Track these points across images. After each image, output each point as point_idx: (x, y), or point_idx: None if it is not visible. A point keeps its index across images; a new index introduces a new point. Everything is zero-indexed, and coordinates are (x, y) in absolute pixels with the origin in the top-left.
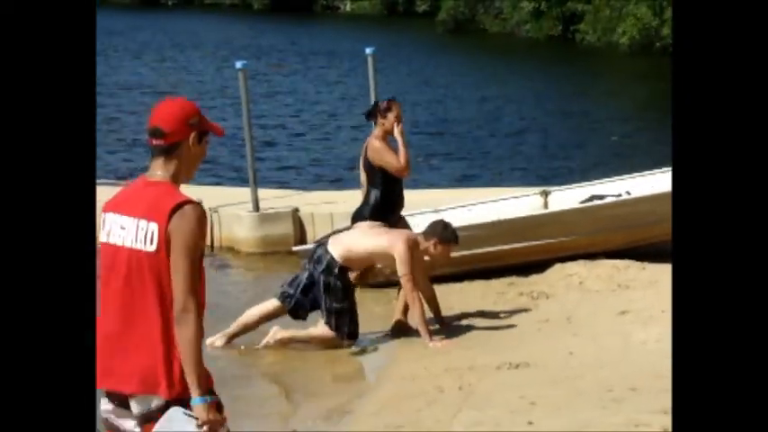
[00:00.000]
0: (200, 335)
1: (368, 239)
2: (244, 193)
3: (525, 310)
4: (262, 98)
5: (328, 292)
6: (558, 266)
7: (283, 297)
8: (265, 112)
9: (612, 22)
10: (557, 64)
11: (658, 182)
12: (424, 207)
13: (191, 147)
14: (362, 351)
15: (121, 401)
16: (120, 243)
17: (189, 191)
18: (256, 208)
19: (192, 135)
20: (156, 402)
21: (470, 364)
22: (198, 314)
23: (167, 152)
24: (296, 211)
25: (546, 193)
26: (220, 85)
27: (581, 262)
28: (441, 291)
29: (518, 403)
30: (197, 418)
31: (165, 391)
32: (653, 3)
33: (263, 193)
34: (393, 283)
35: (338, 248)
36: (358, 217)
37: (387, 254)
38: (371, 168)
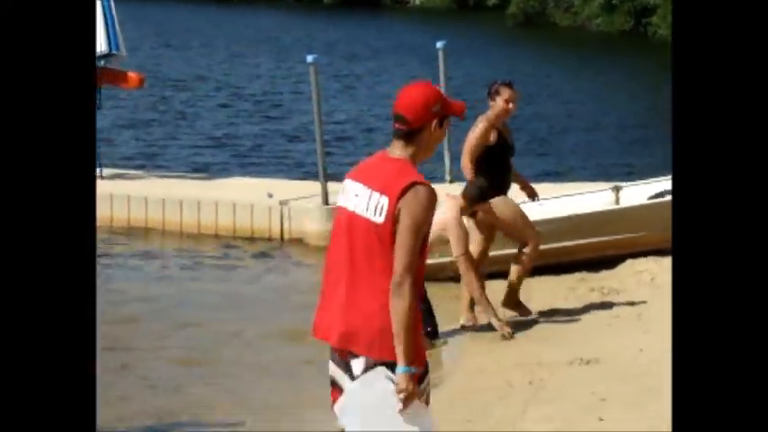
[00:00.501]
0: (413, 307)
1: None
2: (314, 186)
3: (596, 306)
4: (333, 93)
5: None
6: (629, 262)
7: None
8: (336, 106)
9: None
10: (629, 58)
11: None
12: None
13: (432, 131)
14: (432, 345)
15: (341, 359)
16: (351, 209)
17: (260, 184)
18: (326, 201)
19: (434, 121)
20: (363, 362)
21: (540, 359)
22: (412, 288)
23: (409, 136)
24: None
25: (618, 189)
26: (292, 80)
27: (652, 258)
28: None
29: (589, 399)
30: (396, 384)
31: (368, 351)
32: None
33: (333, 186)
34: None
35: None
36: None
37: (442, 237)
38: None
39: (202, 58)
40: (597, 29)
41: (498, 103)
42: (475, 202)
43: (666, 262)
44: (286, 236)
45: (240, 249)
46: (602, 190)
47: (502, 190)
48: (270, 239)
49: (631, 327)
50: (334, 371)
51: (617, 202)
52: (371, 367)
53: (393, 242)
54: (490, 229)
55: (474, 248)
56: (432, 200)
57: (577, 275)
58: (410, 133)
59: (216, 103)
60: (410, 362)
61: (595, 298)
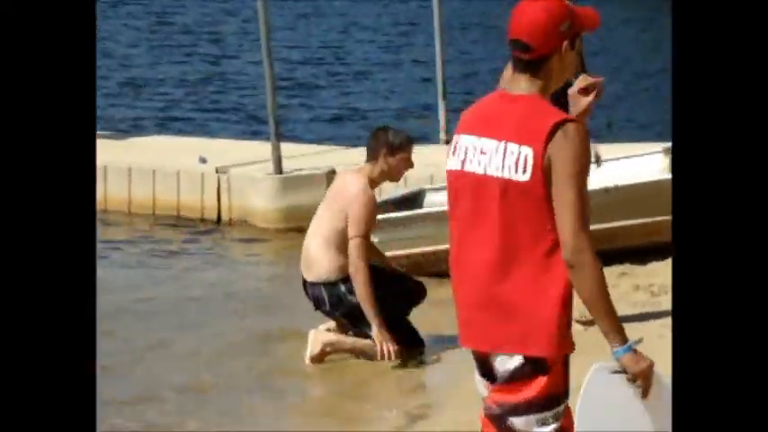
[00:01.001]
0: (602, 275)
1: (323, 228)
2: (262, 148)
3: (642, 310)
4: (287, 23)
5: (353, 317)
6: None
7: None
8: (292, 42)
9: None
10: None
11: None
12: None
13: (563, 56)
14: (422, 362)
15: (482, 363)
16: (480, 171)
17: (190, 145)
18: (279, 169)
19: (565, 43)
20: (517, 362)
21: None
22: (592, 252)
23: (534, 65)
24: (331, 173)
25: (670, 152)
26: (234, 7)
27: None
28: None
29: None
30: (625, 372)
31: (530, 348)
32: None
33: (288, 149)
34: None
35: (314, 270)
36: None
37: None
38: None
39: None
40: None
41: None
42: None
43: None
44: (225, 215)
45: (163, 233)
46: (649, 153)
47: None
48: (203, 220)
49: None
50: (480, 383)
51: (670, 169)
52: (521, 368)
53: (547, 201)
54: None
55: None
56: (586, 137)
57: (618, 268)
58: (536, 62)
59: (134, 38)
60: (626, 339)
61: (642, 299)
